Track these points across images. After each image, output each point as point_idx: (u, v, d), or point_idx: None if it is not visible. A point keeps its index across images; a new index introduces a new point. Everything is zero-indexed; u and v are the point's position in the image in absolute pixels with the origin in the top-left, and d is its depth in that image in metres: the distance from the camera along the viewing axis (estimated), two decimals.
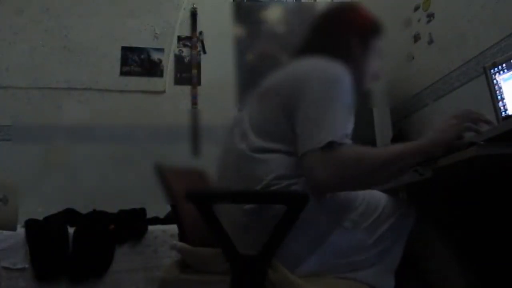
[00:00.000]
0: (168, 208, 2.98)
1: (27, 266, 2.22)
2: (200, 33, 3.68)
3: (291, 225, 1.00)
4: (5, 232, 2.14)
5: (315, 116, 1.10)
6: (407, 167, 1.13)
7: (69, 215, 2.69)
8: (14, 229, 2.04)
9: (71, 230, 2.37)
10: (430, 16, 2.83)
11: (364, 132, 2.83)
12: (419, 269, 1.23)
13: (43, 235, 2.28)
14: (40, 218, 2.52)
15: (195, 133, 3.37)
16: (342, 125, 1.10)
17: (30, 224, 2.32)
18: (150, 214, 2.83)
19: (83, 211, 2.76)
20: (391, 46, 3.23)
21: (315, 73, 1.18)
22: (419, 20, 2.95)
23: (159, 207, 2.95)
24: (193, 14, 3.71)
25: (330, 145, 1.04)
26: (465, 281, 1.18)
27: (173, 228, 2.50)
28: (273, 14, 3.73)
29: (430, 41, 2.84)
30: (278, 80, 1.25)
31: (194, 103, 3.56)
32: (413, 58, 3.01)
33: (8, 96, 3.33)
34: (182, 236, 1.21)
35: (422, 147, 1.11)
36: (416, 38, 2.98)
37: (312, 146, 1.05)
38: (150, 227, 2.47)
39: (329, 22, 1.40)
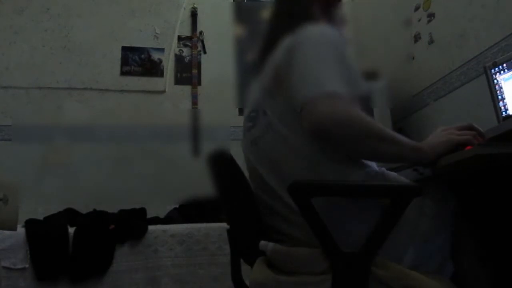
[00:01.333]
0: (168, 208, 3.01)
1: (27, 266, 2.21)
2: (201, 33, 3.69)
3: (396, 220, 0.96)
4: (5, 232, 2.14)
5: (310, 70, 1.06)
6: (401, 157, 1.09)
7: (69, 215, 2.69)
8: (14, 229, 2.03)
9: (71, 230, 2.36)
10: (431, 16, 2.83)
11: None
12: None
13: (43, 235, 2.28)
14: (40, 218, 2.52)
15: (195, 133, 3.37)
16: (342, 77, 1.05)
17: (30, 224, 2.32)
18: (150, 214, 2.83)
19: (83, 211, 2.76)
20: (391, 46, 3.24)
21: (300, 38, 1.14)
22: (419, 20, 2.94)
23: (159, 207, 2.98)
24: (193, 14, 3.71)
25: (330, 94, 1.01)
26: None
27: (173, 228, 2.52)
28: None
29: (431, 41, 2.84)
30: (271, 64, 1.21)
31: (194, 103, 3.56)
32: (413, 58, 3.01)
33: (8, 96, 3.34)
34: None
35: (417, 145, 1.08)
36: (417, 38, 2.97)
37: (310, 94, 1.02)
38: (150, 227, 2.46)
39: None
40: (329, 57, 1.09)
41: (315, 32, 1.15)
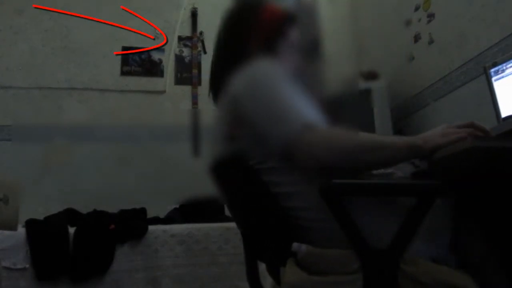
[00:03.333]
0: (168, 208, 3.01)
1: (27, 266, 2.21)
2: (201, 33, 3.69)
3: (422, 218, 0.98)
4: (6, 232, 2.14)
5: (271, 111, 1.11)
6: (396, 159, 1.11)
7: (69, 215, 2.68)
8: (15, 228, 2.04)
9: (71, 230, 2.36)
10: (431, 16, 2.84)
11: (364, 131, 2.84)
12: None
13: (44, 235, 2.27)
14: (41, 218, 2.51)
15: (196, 133, 3.37)
16: (302, 109, 1.10)
17: (31, 224, 2.31)
18: (150, 214, 2.83)
19: (84, 211, 2.76)
20: (392, 46, 3.24)
21: (248, 85, 1.18)
22: (419, 20, 2.95)
23: (159, 207, 2.98)
24: (194, 14, 3.71)
25: (305, 127, 1.05)
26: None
27: (174, 228, 2.52)
28: None
29: (431, 41, 2.84)
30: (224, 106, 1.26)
31: (195, 103, 3.56)
32: (413, 58, 3.02)
33: (9, 96, 3.34)
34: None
35: (410, 141, 1.09)
36: (417, 38, 2.98)
37: (287, 133, 1.07)
38: (151, 227, 2.45)
39: (235, 27, 1.39)
40: (284, 93, 1.14)
41: (260, 73, 1.19)
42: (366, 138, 1.10)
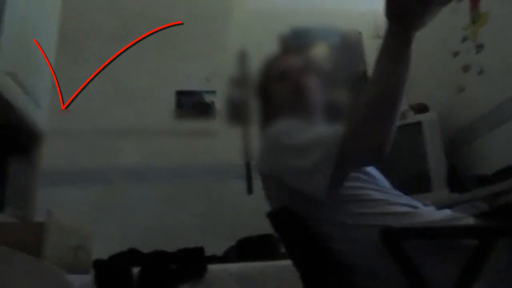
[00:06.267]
0: (224, 247, 3.07)
1: None
2: (251, 73, 3.80)
3: (484, 260, 0.97)
4: (76, 276, 2.25)
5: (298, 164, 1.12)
6: (401, 64, 1.02)
7: (132, 255, 2.79)
8: (88, 272, 2.15)
9: (134, 270, 2.45)
10: (479, 47, 2.83)
11: (416, 166, 2.82)
12: None
13: (110, 275, 2.36)
14: (104, 257, 2.62)
15: (248, 171, 3.45)
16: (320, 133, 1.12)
17: (98, 265, 2.41)
18: (207, 252, 2.89)
19: (142, 250, 2.86)
20: (441, 77, 3.23)
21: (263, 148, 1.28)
22: (467, 51, 2.94)
23: (215, 245, 3.03)
24: (243, 56, 3.84)
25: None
26: None
27: (233, 266, 2.57)
28: (320, 52, 3.81)
29: (481, 71, 2.82)
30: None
31: (247, 142, 3.65)
32: (463, 89, 2.99)
33: (68, 141, 3.45)
34: None
35: (388, 42, 1.02)
36: (466, 69, 2.96)
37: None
38: (210, 266, 2.52)
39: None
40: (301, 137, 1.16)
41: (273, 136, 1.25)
42: (370, 92, 1.03)
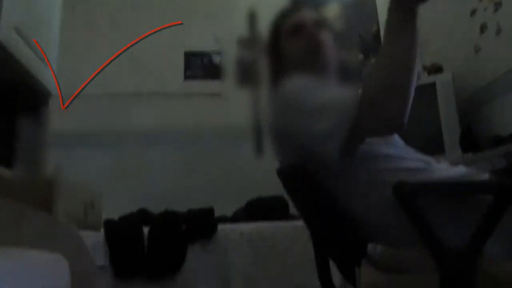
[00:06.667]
0: (233, 208, 3.08)
1: (106, 264, 2.33)
2: (260, 34, 3.74)
3: (500, 216, 0.97)
4: (87, 232, 2.27)
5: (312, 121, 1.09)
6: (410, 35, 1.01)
7: (142, 215, 2.81)
8: (99, 229, 2.17)
9: (145, 229, 2.47)
10: (497, 5, 2.73)
11: (430, 128, 2.78)
12: None
13: (121, 234, 2.39)
14: (115, 218, 2.65)
15: (258, 134, 3.43)
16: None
17: (108, 224, 2.43)
18: (216, 213, 2.90)
19: (153, 212, 2.88)
20: (456, 37, 3.15)
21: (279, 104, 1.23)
22: (485, 9, 2.84)
23: (225, 206, 3.05)
24: (253, 16, 3.77)
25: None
26: None
27: (242, 226, 2.58)
28: (331, 12, 3.72)
29: (498, 31, 2.73)
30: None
31: (256, 103, 3.62)
32: (480, 49, 2.91)
33: (80, 104, 3.50)
34: None
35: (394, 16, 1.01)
36: (483, 28, 2.87)
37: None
38: (219, 226, 2.53)
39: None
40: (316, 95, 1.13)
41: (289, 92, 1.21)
42: (382, 66, 1.03)
